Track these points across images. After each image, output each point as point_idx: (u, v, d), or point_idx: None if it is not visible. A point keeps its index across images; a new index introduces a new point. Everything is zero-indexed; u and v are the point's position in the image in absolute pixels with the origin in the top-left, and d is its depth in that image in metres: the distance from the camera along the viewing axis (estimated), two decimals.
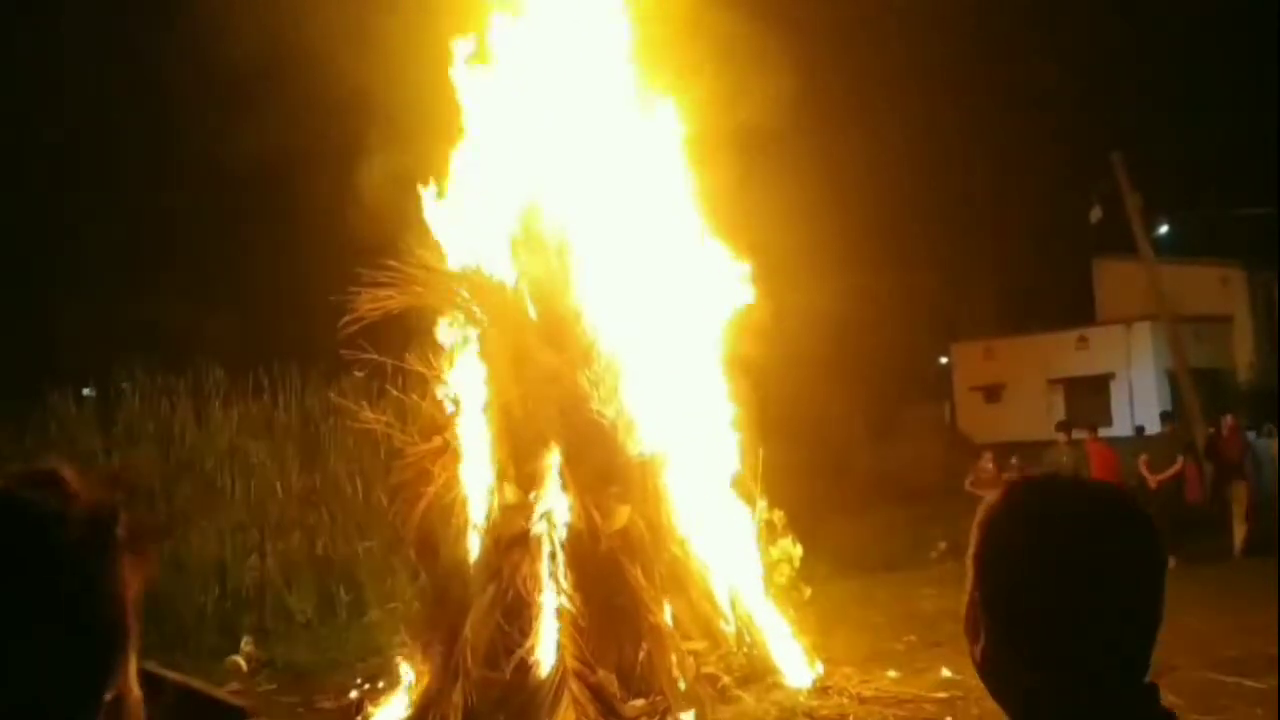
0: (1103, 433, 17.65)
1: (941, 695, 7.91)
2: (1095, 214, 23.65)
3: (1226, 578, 12.68)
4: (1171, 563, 11.43)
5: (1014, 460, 15.97)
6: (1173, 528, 13.96)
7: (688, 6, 9.57)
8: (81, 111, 23.58)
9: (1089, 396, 27.55)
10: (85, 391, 15.05)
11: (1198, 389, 22.11)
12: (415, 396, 9.51)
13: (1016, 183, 29.45)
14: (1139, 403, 26.76)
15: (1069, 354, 28.64)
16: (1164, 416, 17.49)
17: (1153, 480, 14.32)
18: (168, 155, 23.37)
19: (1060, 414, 26.11)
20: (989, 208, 30.54)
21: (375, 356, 9.26)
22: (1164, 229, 27.75)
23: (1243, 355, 28.63)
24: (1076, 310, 30.51)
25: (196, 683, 6.56)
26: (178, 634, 11.66)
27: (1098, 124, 27.05)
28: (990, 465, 16.11)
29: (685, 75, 9.40)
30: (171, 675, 6.07)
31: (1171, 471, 14.08)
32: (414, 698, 7.90)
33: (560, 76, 8.85)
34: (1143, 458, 15.26)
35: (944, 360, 32.78)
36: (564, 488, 7.84)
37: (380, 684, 8.65)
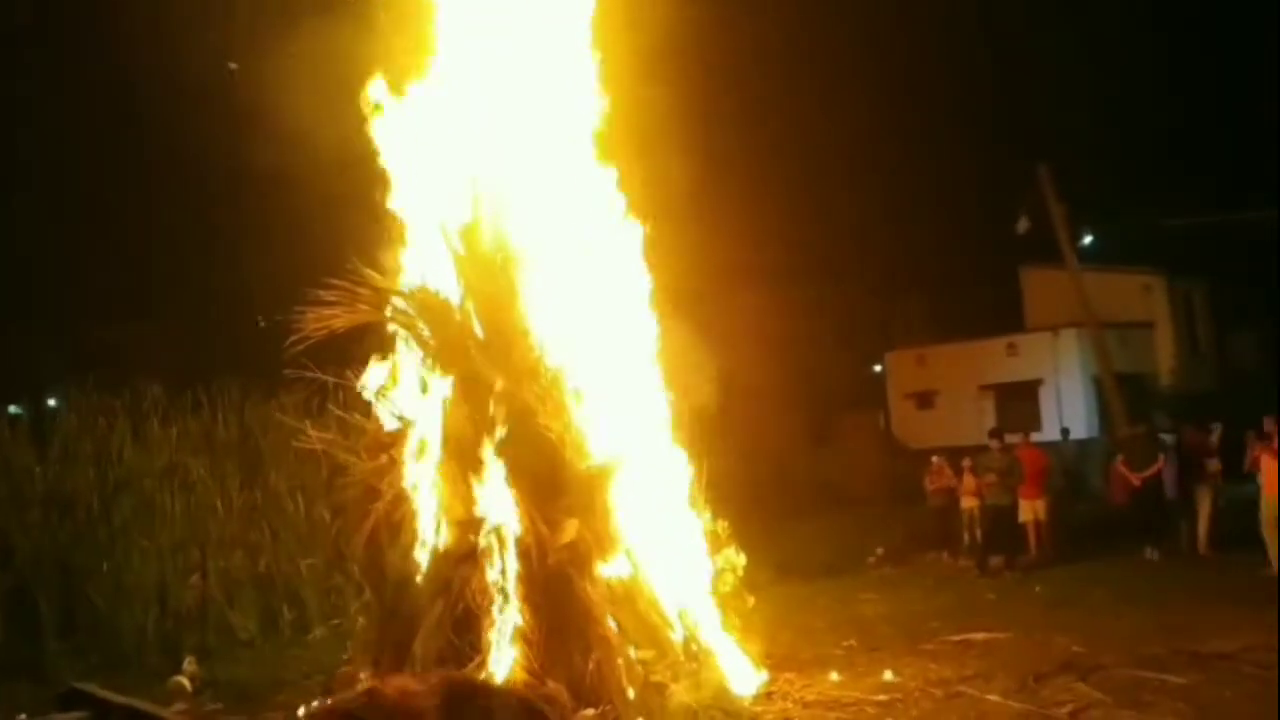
0: (1033, 437, 18.11)
1: (882, 698, 8.15)
2: (1023, 224, 24.29)
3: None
4: (1155, 555, 11.86)
5: (966, 461, 16.46)
6: (1156, 522, 14.50)
7: (625, 21, 9.78)
8: (22, 120, 23.14)
9: (1019, 402, 28.19)
10: (12, 409, 14.81)
11: (1122, 393, 22.79)
12: (358, 415, 9.55)
13: (946, 193, 30.12)
14: (1067, 407, 27.48)
15: (999, 361, 29.28)
16: (1137, 419, 17.99)
17: (1136, 479, 14.77)
18: (110, 168, 23.04)
19: (991, 420, 26.73)
20: (919, 218, 31.17)
21: (318, 375, 9.31)
22: (1088, 239, 28.59)
23: (1164, 360, 29.53)
24: (1006, 318, 31.21)
25: (142, 704, 6.59)
26: (119, 655, 11.55)
27: (1024, 134, 27.77)
28: (945, 467, 16.65)
29: (622, 93, 9.59)
30: (117, 698, 6.15)
31: (1153, 469, 14.63)
32: None
33: (503, 93, 8.96)
34: (1119, 458, 15.79)
35: (878, 368, 33.32)
36: (512, 502, 7.95)
37: (328, 701, 8.64)
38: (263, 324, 8.57)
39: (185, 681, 10.43)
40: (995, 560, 14.58)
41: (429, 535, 8.12)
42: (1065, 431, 24.93)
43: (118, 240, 23.56)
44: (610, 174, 9.31)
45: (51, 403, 15.20)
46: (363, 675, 8.12)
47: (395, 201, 8.87)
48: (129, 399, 13.88)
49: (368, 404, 9.19)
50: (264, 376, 14.03)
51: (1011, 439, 16.23)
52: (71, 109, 23.00)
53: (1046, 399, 28.37)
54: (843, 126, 27.18)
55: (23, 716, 9.58)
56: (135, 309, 22.18)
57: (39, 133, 23.21)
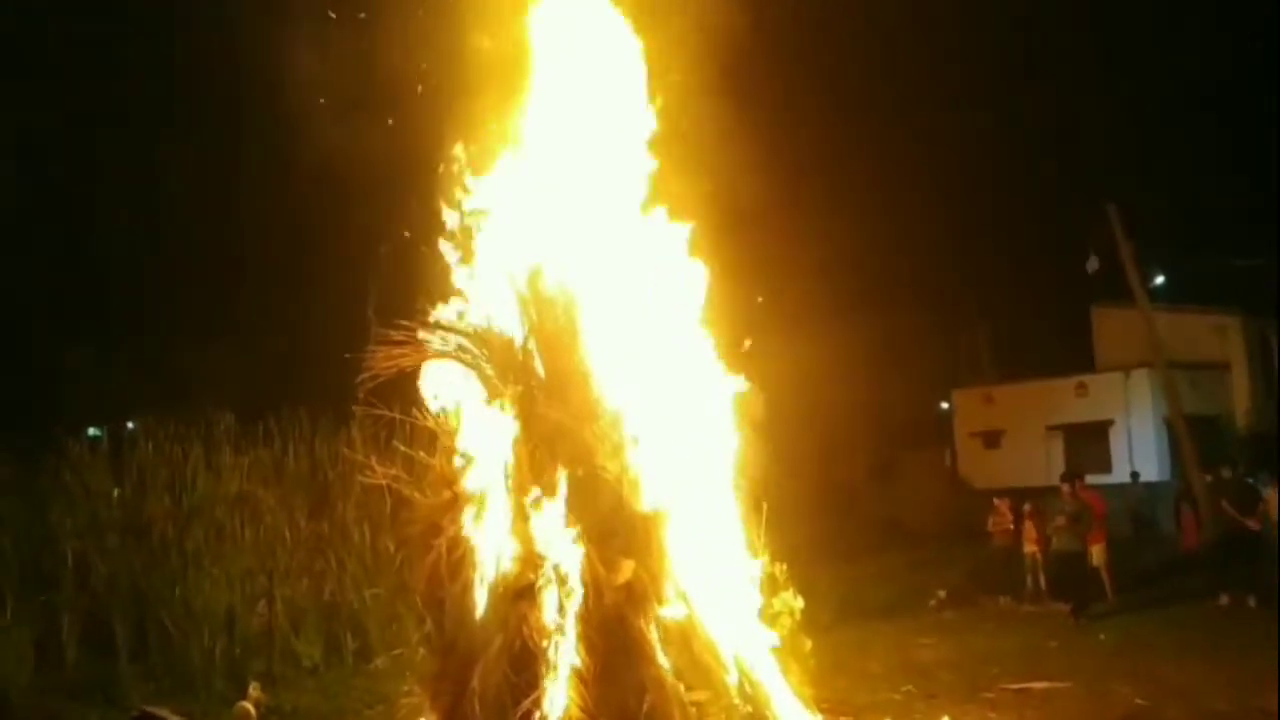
0: (1102, 479, 17.95)
1: None
2: (1092, 263, 23.99)
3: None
4: (1252, 602, 11.65)
5: (1027, 506, 16.35)
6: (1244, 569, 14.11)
7: (687, 73, 9.93)
8: (96, 152, 24.02)
9: (1088, 443, 27.77)
10: (92, 431, 15.26)
11: (1194, 436, 22.31)
12: (422, 452, 9.75)
13: (1016, 230, 29.83)
14: (1137, 449, 26.98)
15: (1068, 401, 28.88)
16: (1220, 462, 17.68)
17: (1252, 522, 14.50)
18: (183, 202, 23.79)
19: (1059, 460, 26.34)
20: (988, 254, 30.89)
21: (385, 411, 9.54)
22: (1160, 279, 28.11)
23: (1240, 402, 28.86)
24: (1075, 358, 30.79)
25: None
26: (188, 679, 11.86)
27: (1095, 173, 27.46)
28: (1006, 509, 16.54)
29: (685, 135, 9.73)
30: None
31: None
32: None
33: (572, 140, 9.15)
34: (1224, 500, 15.40)
35: (945, 406, 33.02)
36: (571, 542, 8.06)
37: None
38: (347, 357, 8.83)
39: (250, 708, 10.70)
40: (1060, 606, 14.37)
41: (489, 572, 8.24)
42: (1135, 475, 24.50)
43: (200, 266, 24.34)
44: (672, 218, 9.43)
45: (130, 425, 15.66)
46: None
47: (463, 242, 9.06)
48: (203, 428, 14.29)
49: (432, 441, 9.40)
50: (333, 409, 14.39)
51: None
52: (154, 133, 23.77)
53: (1117, 440, 27.89)
54: (914, 161, 27.16)
55: None
56: (215, 335, 22.82)
57: (124, 155, 24.06)
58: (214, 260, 23.65)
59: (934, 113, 28.20)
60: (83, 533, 12.94)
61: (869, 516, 25.34)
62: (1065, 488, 15.17)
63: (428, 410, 9.20)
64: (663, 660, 7.93)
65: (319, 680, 12.28)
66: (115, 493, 13.46)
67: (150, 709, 10.12)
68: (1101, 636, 12.55)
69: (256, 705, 10.80)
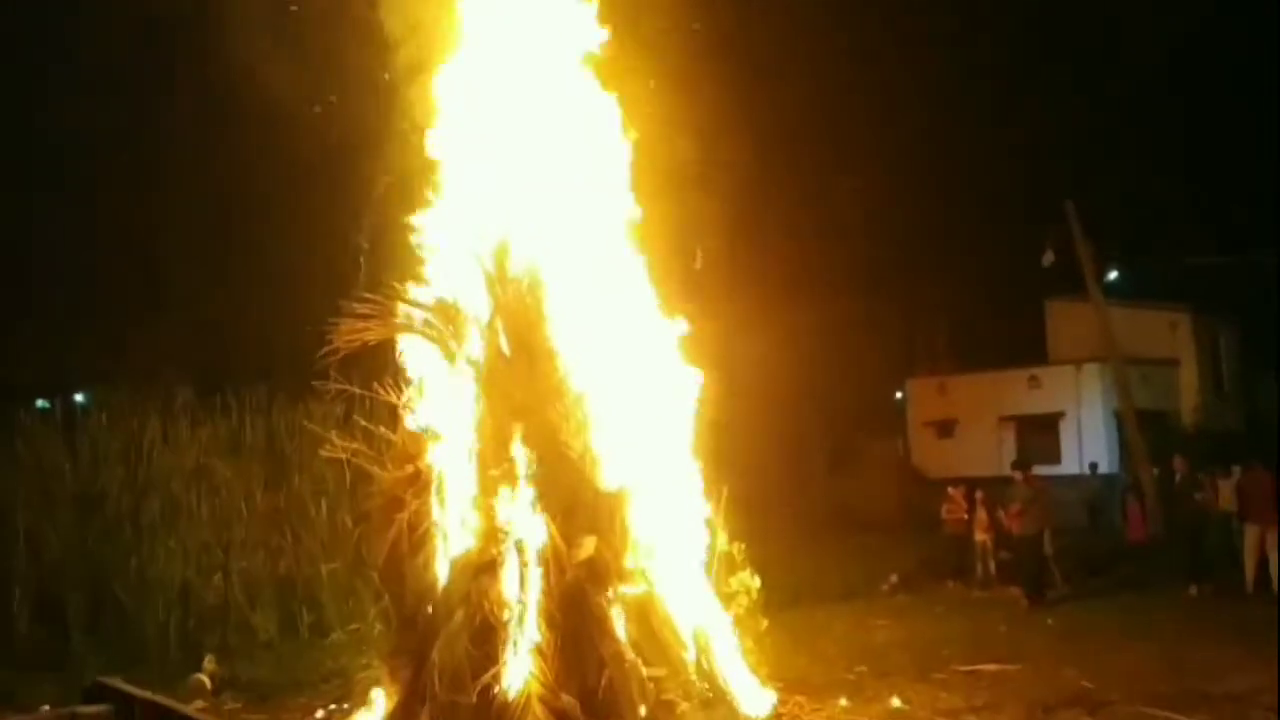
0: (1051, 470, 18.27)
1: None
2: (1048, 258, 24.38)
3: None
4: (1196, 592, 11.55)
5: (979, 494, 16.62)
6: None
7: (651, 42, 9.98)
8: (60, 119, 23.58)
9: (1039, 434, 28.22)
10: (40, 403, 15.05)
11: (1144, 430, 22.77)
12: (383, 427, 9.75)
13: (972, 224, 30.15)
14: (1087, 442, 27.47)
15: (1021, 392, 29.31)
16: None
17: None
18: (145, 171, 23.44)
19: (1011, 451, 26.76)
20: (946, 248, 31.22)
21: (346, 386, 9.53)
22: (1114, 274, 28.59)
23: (1188, 398, 29.45)
24: (1028, 350, 31.22)
25: (165, 700, 6.84)
26: (142, 651, 11.78)
27: (1052, 168, 27.81)
28: (960, 498, 16.80)
29: (648, 109, 9.79)
30: (141, 692, 6.43)
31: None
32: (381, 719, 8.10)
33: (532, 114, 9.16)
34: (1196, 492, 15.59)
35: (899, 395, 33.37)
36: (533, 518, 8.11)
37: (345, 705, 8.84)
38: (310, 330, 8.78)
39: (205, 679, 10.66)
40: (1014, 591, 14.65)
41: (450, 546, 8.28)
42: (1094, 466, 24.95)
43: (147, 238, 23.98)
44: (633, 199, 9.50)
45: (79, 398, 15.45)
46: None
47: (429, 219, 9.06)
48: (159, 400, 14.16)
49: (393, 416, 9.41)
50: (291, 383, 14.30)
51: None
52: (102, 104, 23.34)
53: (1067, 433, 28.37)
54: (872, 152, 27.31)
55: (46, 708, 9.81)
56: (165, 308, 22.54)
57: (63, 127, 23.64)
58: (168, 231, 23.35)
59: (896, 104, 28.37)
60: (34, 504, 12.79)
61: (823, 504, 25.56)
62: (1018, 475, 15.46)
63: (390, 385, 9.22)
64: (622, 636, 8.02)
65: (274, 654, 12.22)
66: (68, 465, 13.30)
67: (105, 680, 10.05)
68: (1049, 621, 12.81)
69: (212, 678, 10.76)
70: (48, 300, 23.16)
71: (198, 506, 13.24)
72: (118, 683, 9.82)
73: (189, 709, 9.10)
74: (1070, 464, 26.38)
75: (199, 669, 10.88)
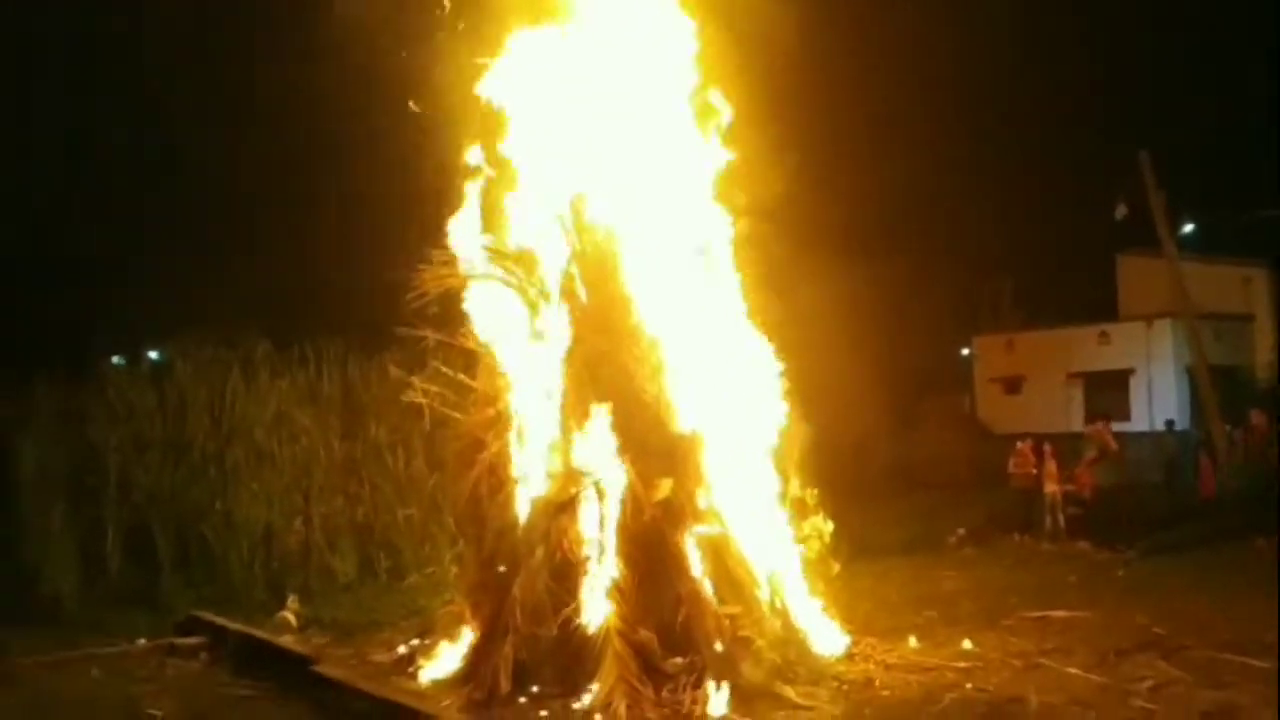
0: (1121, 427, 18.06)
1: (962, 665, 8.37)
2: (1120, 211, 23.86)
3: None
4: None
5: (1048, 446, 16.53)
6: None
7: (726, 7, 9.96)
8: (145, 99, 24.11)
9: (1108, 391, 27.84)
10: (115, 360, 15.44)
11: (1216, 386, 22.37)
12: (460, 374, 9.98)
13: (1043, 176, 29.69)
14: (1158, 398, 27.06)
15: (1090, 349, 28.91)
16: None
17: None
18: (224, 137, 23.92)
19: (1080, 407, 26.50)
20: (1015, 200, 30.79)
21: (425, 333, 9.77)
22: (1189, 228, 27.99)
23: (1262, 354, 28.85)
24: (1099, 305, 30.74)
25: (258, 632, 7.22)
26: (228, 590, 12.24)
27: (1126, 120, 27.25)
28: (1029, 451, 16.72)
29: (722, 69, 9.81)
30: (233, 625, 6.81)
31: None
32: (464, 652, 8.39)
33: (610, 69, 9.24)
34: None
35: (966, 352, 33.08)
36: (611, 458, 8.30)
37: (427, 640, 9.13)
38: (392, 276, 9.02)
39: (291, 617, 11.08)
40: (1083, 544, 14.65)
41: (530, 487, 8.50)
42: (1170, 424, 24.58)
43: (219, 198, 24.50)
44: (710, 148, 9.56)
45: (153, 355, 15.90)
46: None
47: (509, 169, 9.20)
48: (240, 352, 14.56)
49: (471, 364, 9.64)
50: (368, 336, 14.62)
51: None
52: (178, 58, 23.78)
53: (1137, 389, 27.96)
54: (941, 104, 26.95)
55: (142, 640, 10.27)
56: (244, 264, 23.03)
57: (136, 92, 24.12)
58: (247, 185, 23.80)
59: (965, 57, 27.91)
60: (125, 451, 13.28)
61: (888, 461, 25.46)
62: (1098, 425, 15.39)
63: (469, 332, 9.44)
64: (698, 575, 8.20)
65: (354, 596, 12.63)
66: (157, 414, 13.76)
67: (198, 614, 10.50)
68: (1120, 573, 12.76)
69: (296, 616, 11.18)
70: (128, 259, 23.74)
71: (279, 453, 13.64)
72: (211, 616, 10.28)
73: (280, 640, 9.51)
74: (1140, 421, 26.03)
75: (283, 609, 11.29)
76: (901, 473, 24.63)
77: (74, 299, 20.37)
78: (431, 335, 9.88)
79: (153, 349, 16.12)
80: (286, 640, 9.75)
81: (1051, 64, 28.05)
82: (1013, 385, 30.65)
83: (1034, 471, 16.61)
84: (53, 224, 21.93)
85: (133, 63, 24.35)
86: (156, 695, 8.38)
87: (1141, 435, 23.69)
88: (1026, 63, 27.85)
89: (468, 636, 8.59)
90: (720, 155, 9.58)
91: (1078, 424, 23.15)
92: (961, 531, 16.38)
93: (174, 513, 12.88)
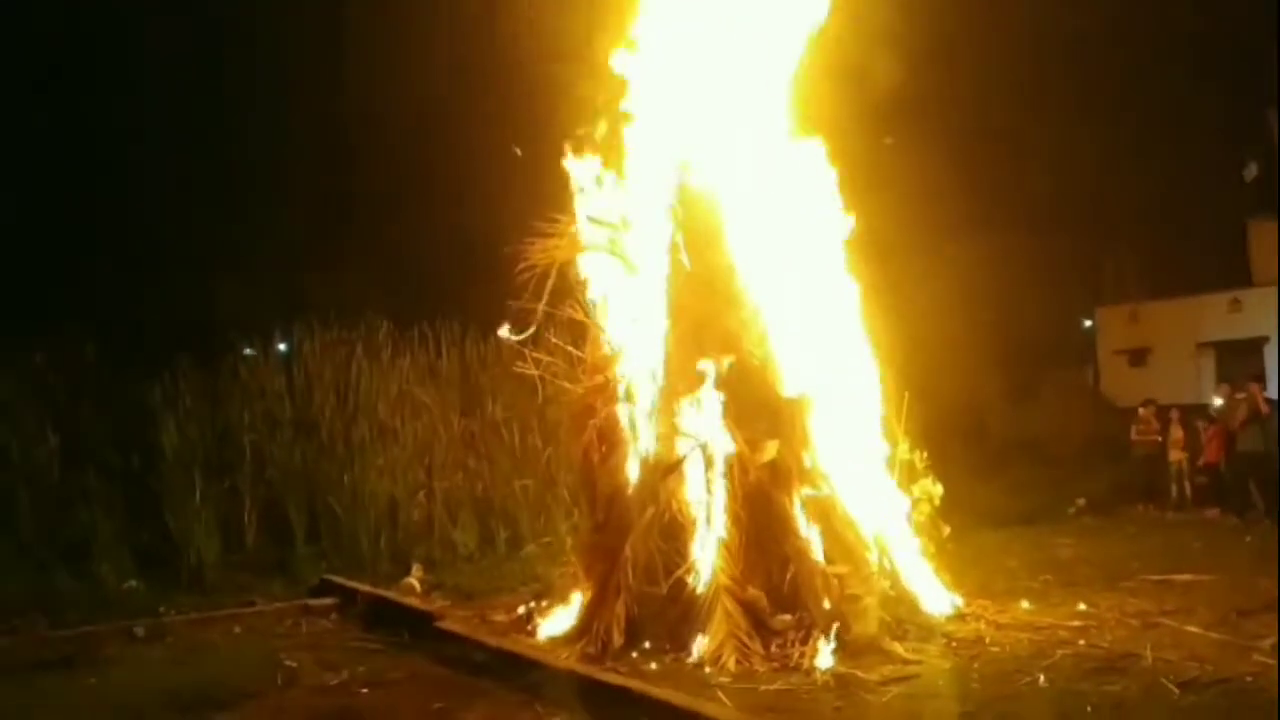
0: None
1: (1076, 624, 8.31)
2: (1250, 172, 23.00)
3: None
4: None
5: (1174, 412, 16.10)
6: None
7: None
8: (244, 108, 25.10)
9: (1241, 360, 26.73)
10: (246, 352, 16.13)
11: None
12: (567, 345, 10.24)
13: (1166, 139, 28.60)
14: None
15: (1220, 317, 27.78)
16: None
17: None
18: (333, 121, 24.72)
19: (1210, 378, 25.50)
20: (1136, 165, 29.75)
21: (535, 306, 10.07)
22: None
23: None
24: (1229, 272, 29.49)
25: (385, 591, 7.65)
26: (356, 560, 12.77)
27: (1254, 78, 26.04)
28: (1151, 417, 16.32)
29: (826, 46, 9.82)
30: (364, 586, 7.27)
31: None
32: (578, 610, 8.66)
33: (716, 43, 9.36)
34: None
35: (1088, 324, 32.17)
36: (718, 422, 8.47)
37: (545, 602, 9.45)
38: (506, 250, 9.34)
39: (415, 583, 11.55)
40: (1211, 512, 14.27)
41: (639, 450, 8.73)
42: None
43: (354, 202, 25.34)
44: (810, 122, 9.61)
45: (282, 348, 16.58)
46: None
47: (614, 139, 9.41)
48: (363, 332, 15.17)
49: (580, 334, 9.92)
50: (483, 317, 15.07)
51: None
52: (288, 52, 24.56)
53: (1272, 358, 26.79)
54: (1056, 66, 26.17)
55: (279, 604, 10.87)
56: (353, 258, 23.82)
57: (241, 82, 25.04)
58: (365, 193, 24.64)
59: (1085, 20, 27.01)
60: (258, 427, 13.97)
61: (1007, 433, 24.99)
62: (1254, 388, 14.95)
63: (578, 303, 9.71)
64: (805, 534, 8.31)
65: (475, 565, 13.04)
66: (286, 394, 14.44)
67: (330, 577, 11.05)
68: (1248, 539, 12.41)
69: (421, 582, 11.65)
70: (240, 253, 24.70)
71: (402, 429, 14.17)
72: (341, 579, 10.81)
73: (404, 598, 9.96)
74: (1274, 390, 24.95)
75: (407, 576, 11.77)
76: (1021, 445, 24.13)
77: (204, 288, 21.35)
78: (542, 308, 10.19)
79: (280, 334, 16.75)
80: (411, 600, 10.21)
81: (1178, 18, 26.89)
82: (1138, 357, 29.66)
83: (1158, 439, 16.18)
84: (176, 215, 23.02)
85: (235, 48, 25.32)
86: (292, 648, 8.90)
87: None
88: (1146, 24, 26.79)
89: (582, 597, 8.86)
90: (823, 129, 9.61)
91: (1208, 395, 22.31)
92: (1082, 501, 16.10)
93: (305, 487, 13.48)
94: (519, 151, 10.58)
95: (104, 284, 20.81)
